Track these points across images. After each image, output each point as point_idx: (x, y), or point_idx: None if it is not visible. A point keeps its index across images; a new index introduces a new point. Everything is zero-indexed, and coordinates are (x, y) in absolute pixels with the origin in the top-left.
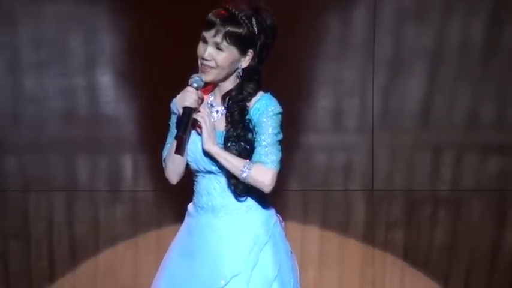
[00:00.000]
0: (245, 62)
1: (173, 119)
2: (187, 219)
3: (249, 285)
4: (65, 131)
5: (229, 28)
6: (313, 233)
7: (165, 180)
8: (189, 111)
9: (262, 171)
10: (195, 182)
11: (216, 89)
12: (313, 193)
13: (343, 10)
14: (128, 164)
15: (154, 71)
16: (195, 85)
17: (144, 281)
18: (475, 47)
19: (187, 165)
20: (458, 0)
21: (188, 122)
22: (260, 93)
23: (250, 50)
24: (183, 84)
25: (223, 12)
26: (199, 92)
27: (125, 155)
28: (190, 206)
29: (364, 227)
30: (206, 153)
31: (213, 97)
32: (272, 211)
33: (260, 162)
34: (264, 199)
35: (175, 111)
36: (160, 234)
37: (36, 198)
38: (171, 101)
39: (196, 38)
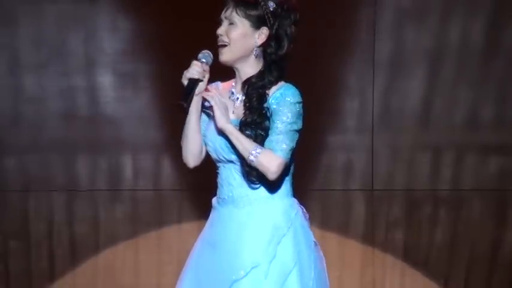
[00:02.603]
0: (260, 39)
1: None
2: (211, 213)
3: (267, 276)
4: (65, 131)
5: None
6: (313, 233)
7: (166, 180)
8: (192, 82)
9: (270, 158)
10: (217, 174)
11: (238, 77)
12: (313, 193)
13: (344, 10)
14: (128, 164)
15: (155, 71)
16: (203, 60)
17: (144, 281)
18: (474, 48)
19: (208, 156)
20: (458, 1)
21: (191, 91)
22: (281, 83)
23: (264, 28)
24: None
25: None
26: (204, 65)
27: (125, 155)
28: (213, 200)
29: (364, 227)
30: (225, 140)
31: (234, 85)
32: (294, 201)
33: (270, 148)
34: (285, 189)
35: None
36: (161, 234)
37: (36, 198)
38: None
39: (197, 38)
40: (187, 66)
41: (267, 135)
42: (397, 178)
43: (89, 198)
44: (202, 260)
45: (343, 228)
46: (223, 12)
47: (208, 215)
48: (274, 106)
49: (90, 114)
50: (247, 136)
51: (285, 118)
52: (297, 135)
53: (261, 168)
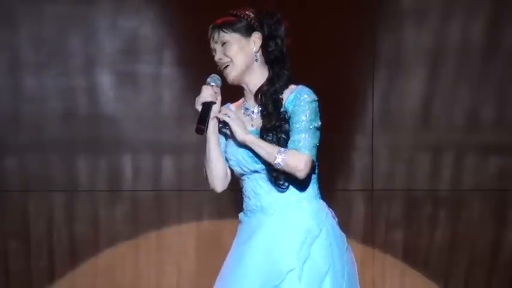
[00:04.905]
0: (256, 44)
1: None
2: (238, 228)
3: (301, 279)
4: (65, 131)
5: (221, 22)
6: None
7: (166, 180)
8: (207, 105)
9: (296, 157)
10: (242, 189)
11: (248, 92)
12: None
13: (344, 11)
14: (127, 164)
15: (155, 71)
16: (213, 84)
17: (144, 281)
18: (475, 48)
19: (232, 171)
20: (458, 1)
21: (207, 114)
22: (293, 86)
23: (255, 32)
24: (183, 83)
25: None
26: (215, 87)
27: (125, 155)
28: (240, 215)
29: (364, 227)
30: (246, 151)
31: (246, 101)
32: (323, 204)
33: (294, 148)
34: (313, 192)
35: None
36: (161, 234)
37: (36, 198)
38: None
39: (197, 38)
40: (186, 65)
41: (288, 138)
42: (397, 178)
43: (89, 198)
44: (233, 272)
45: (343, 228)
46: (211, 41)
47: (209, 215)
48: (291, 108)
49: (90, 114)
50: (269, 142)
51: (303, 117)
52: (317, 133)
53: (288, 169)
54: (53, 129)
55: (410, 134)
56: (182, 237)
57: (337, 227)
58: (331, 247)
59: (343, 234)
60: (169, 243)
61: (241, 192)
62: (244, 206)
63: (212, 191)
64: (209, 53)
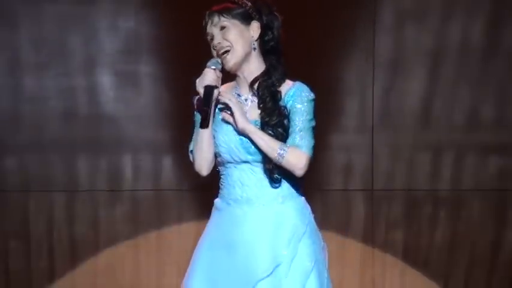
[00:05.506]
0: (255, 33)
1: (197, 116)
2: (215, 214)
3: (288, 275)
4: (65, 131)
5: (219, 7)
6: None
7: (166, 180)
8: (209, 89)
9: (297, 155)
10: (223, 176)
11: (241, 79)
12: (313, 193)
13: (343, 10)
14: (128, 164)
15: (155, 71)
16: (213, 67)
17: (144, 281)
18: (475, 47)
19: (216, 157)
20: (458, 1)
21: (210, 97)
22: (291, 82)
23: (253, 21)
24: (183, 83)
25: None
26: (217, 71)
27: (125, 155)
28: (217, 201)
29: (364, 227)
30: (241, 140)
31: (238, 87)
32: (305, 201)
33: (295, 145)
34: (298, 189)
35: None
36: (161, 234)
37: (36, 198)
38: (192, 97)
39: (196, 38)
40: (186, 66)
41: (287, 133)
42: (397, 178)
43: (89, 198)
44: (216, 262)
45: (343, 228)
46: (208, 26)
47: (208, 215)
48: (291, 103)
49: (90, 114)
50: (269, 136)
51: (304, 115)
52: (314, 133)
53: (288, 165)
54: (53, 129)
55: (411, 133)
56: (182, 237)
57: (315, 225)
58: (314, 245)
59: (320, 233)
60: (169, 243)
61: (222, 179)
62: (225, 193)
63: (212, 190)
64: (210, 53)
